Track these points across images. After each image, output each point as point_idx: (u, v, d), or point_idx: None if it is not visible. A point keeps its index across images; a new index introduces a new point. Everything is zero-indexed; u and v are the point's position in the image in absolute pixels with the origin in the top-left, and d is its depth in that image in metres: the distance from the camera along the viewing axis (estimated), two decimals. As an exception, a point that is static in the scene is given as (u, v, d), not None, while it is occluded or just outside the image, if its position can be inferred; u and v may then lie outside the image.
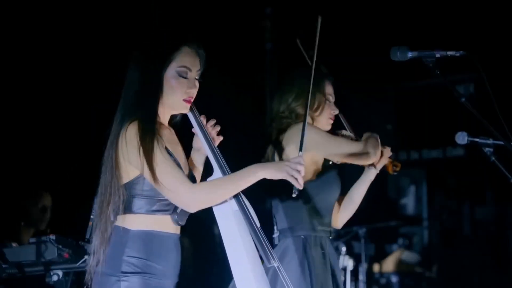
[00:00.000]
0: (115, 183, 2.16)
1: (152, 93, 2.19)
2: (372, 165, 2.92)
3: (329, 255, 2.81)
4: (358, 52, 5.56)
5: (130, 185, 2.16)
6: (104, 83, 2.41)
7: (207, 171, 2.32)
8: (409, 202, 7.03)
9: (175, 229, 2.23)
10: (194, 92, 2.24)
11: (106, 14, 4.32)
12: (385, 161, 2.96)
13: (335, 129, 2.97)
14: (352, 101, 6.20)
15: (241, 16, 4.80)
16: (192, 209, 2.17)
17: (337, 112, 2.92)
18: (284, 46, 4.92)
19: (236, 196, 2.20)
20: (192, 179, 2.27)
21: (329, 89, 2.92)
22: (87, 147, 4.19)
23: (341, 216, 3.02)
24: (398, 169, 3.06)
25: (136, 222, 2.16)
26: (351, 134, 2.96)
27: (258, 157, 2.91)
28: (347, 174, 3.06)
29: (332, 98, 2.92)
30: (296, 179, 2.15)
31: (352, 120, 3.03)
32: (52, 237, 3.19)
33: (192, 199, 2.12)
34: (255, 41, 4.94)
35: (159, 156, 2.12)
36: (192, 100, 2.25)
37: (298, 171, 2.15)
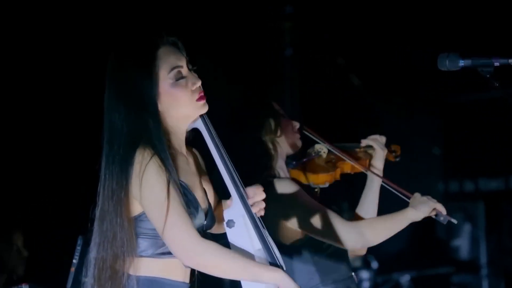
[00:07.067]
0: (120, 219, 2.16)
1: (154, 118, 2.20)
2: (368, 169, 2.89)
3: None
4: (397, 60, 5.56)
5: (135, 222, 2.18)
6: (83, 125, 2.43)
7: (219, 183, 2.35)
8: (463, 243, 6.97)
9: (184, 277, 2.25)
10: (199, 84, 2.27)
11: (106, 16, 4.40)
12: (382, 155, 2.94)
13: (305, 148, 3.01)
14: (390, 120, 6.20)
15: (256, 16, 4.84)
16: (187, 264, 2.20)
17: (298, 125, 2.97)
18: (307, 52, 4.93)
19: (260, 233, 2.23)
20: (210, 217, 2.31)
21: (276, 106, 3.02)
22: (68, 181, 4.24)
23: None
24: (398, 153, 3.04)
25: (140, 266, 2.19)
26: (326, 146, 2.99)
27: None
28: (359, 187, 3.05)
29: (284, 113, 3.01)
30: None
31: (392, 143, 3.02)
32: (25, 286, 3.18)
33: (191, 256, 2.15)
34: (273, 46, 4.97)
35: (171, 202, 2.13)
36: (204, 94, 2.28)
37: None
